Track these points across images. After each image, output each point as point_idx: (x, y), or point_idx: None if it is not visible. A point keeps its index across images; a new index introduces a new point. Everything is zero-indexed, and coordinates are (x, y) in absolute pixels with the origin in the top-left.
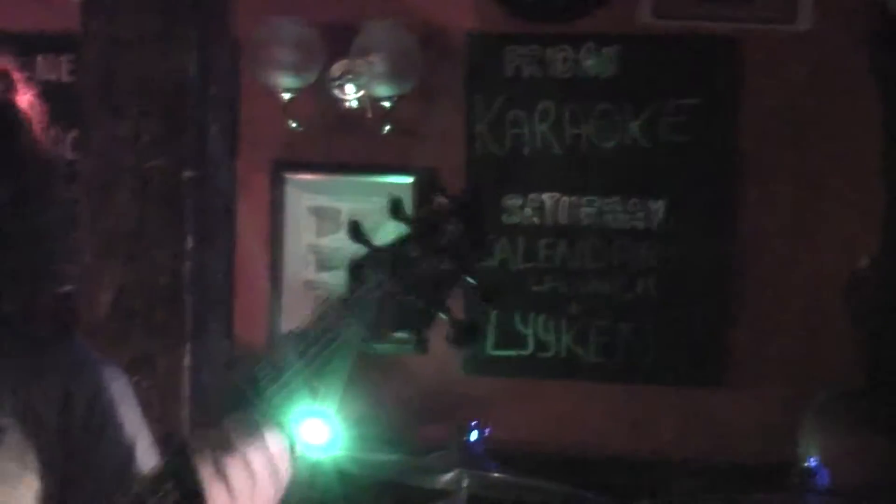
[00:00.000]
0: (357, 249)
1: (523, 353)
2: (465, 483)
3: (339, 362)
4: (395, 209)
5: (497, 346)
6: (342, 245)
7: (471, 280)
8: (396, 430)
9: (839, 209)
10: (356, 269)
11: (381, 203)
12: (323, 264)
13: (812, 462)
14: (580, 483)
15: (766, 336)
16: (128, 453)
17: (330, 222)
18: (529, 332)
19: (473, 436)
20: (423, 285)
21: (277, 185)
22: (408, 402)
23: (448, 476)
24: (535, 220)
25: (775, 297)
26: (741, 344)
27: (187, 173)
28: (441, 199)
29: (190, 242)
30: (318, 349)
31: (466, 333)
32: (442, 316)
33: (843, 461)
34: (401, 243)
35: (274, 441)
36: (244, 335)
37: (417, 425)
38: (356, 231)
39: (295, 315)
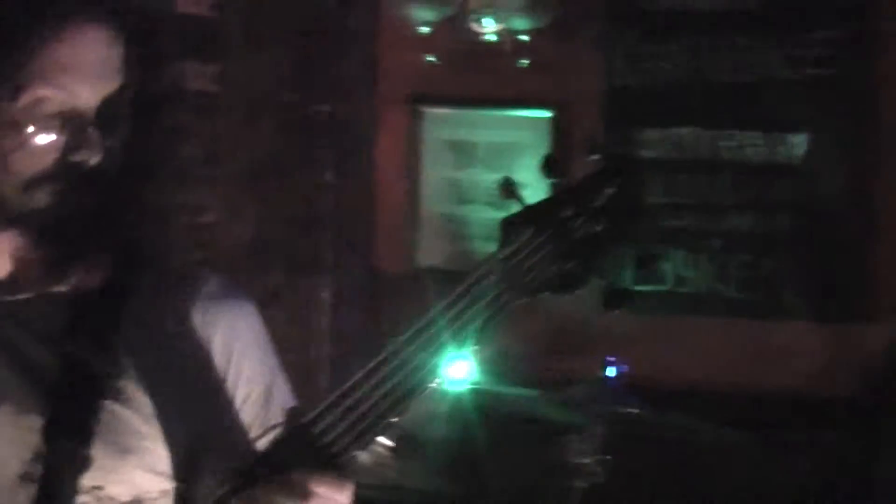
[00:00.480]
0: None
1: (662, 288)
2: (602, 418)
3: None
4: (508, 190)
5: (635, 282)
6: (479, 179)
7: (626, 244)
8: (535, 365)
9: None
10: (509, 228)
11: (517, 136)
12: (460, 198)
13: None
14: (719, 419)
15: None
16: (265, 395)
17: (466, 156)
18: (668, 267)
19: (611, 371)
20: (575, 248)
21: (415, 118)
22: (546, 336)
23: (586, 411)
24: (674, 154)
25: None
26: (883, 279)
27: (325, 106)
28: (597, 159)
29: (328, 175)
30: (466, 308)
31: (619, 298)
32: (595, 279)
33: None
34: (554, 203)
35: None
36: (384, 268)
37: (556, 360)
38: (509, 188)
39: (434, 248)
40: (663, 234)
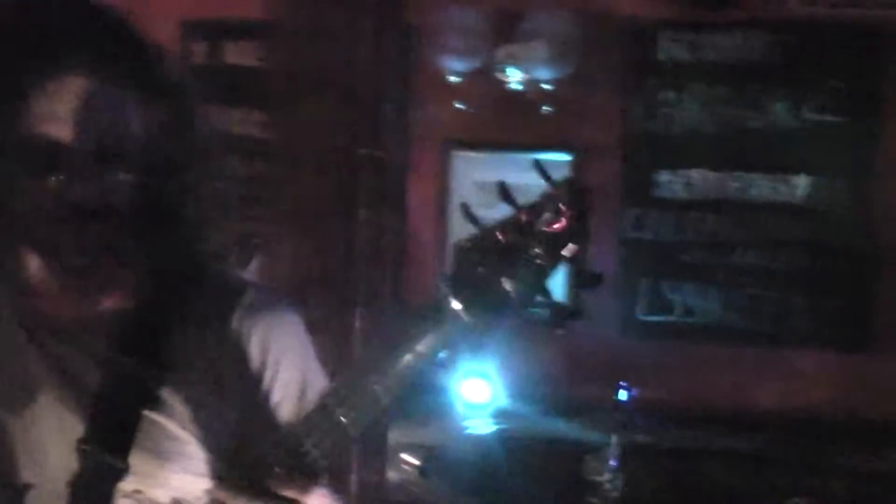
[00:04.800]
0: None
1: (671, 318)
2: (615, 438)
3: (496, 331)
4: (504, 193)
5: (647, 312)
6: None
7: (568, 266)
8: (553, 390)
9: None
10: (459, 252)
11: (539, 179)
12: None
13: None
14: (726, 439)
15: None
16: (301, 389)
17: (493, 196)
18: (678, 298)
19: (624, 395)
20: (516, 269)
21: (446, 161)
22: (564, 364)
23: (600, 432)
24: (684, 194)
25: None
26: (883, 309)
27: (362, 150)
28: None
29: (364, 214)
30: (425, 329)
31: (562, 317)
32: (542, 299)
33: None
34: (499, 227)
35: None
36: (415, 300)
37: (572, 386)
38: (467, 211)
39: None
40: (674, 267)
